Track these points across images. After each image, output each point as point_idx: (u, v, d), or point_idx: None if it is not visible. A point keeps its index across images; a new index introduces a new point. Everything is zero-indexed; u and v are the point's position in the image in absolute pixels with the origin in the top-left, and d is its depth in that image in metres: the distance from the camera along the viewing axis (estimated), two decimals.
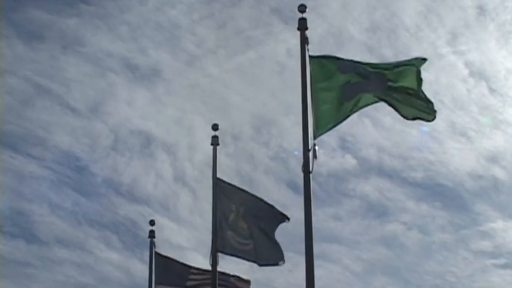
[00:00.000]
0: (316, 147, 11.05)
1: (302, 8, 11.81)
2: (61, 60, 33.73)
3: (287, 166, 32.02)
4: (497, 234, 34.16)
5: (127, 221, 31.95)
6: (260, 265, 13.88)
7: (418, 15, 35.23)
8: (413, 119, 11.25)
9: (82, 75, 33.83)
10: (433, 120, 11.23)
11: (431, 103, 11.27)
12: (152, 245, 17.15)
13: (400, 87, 11.29)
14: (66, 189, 33.18)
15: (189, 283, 16.21)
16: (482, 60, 36.09)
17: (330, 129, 11.27)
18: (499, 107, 35.67)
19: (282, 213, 13.79)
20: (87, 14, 34.38)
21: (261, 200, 14.05)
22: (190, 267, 16.44)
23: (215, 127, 15.12)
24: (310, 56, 11.59)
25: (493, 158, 35.32)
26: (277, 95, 33.72)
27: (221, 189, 14.46)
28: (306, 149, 11.11)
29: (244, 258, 14.02)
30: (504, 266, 33.29)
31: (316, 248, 10.66)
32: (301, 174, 11.04)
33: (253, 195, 14.14)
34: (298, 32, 11.77)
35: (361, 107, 11.31)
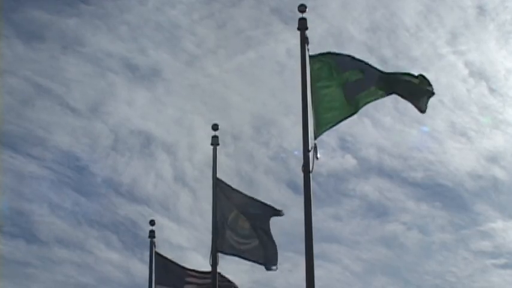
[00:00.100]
0: (317, 147, 11.06)
1: (302, 8, 11.82)
2: (61, 60, 33.76)
3: (287, 166, 32.04)
4: (497, 234, 34.19)
5: (127, 221, 31.96)
6: (260, 264, 13.86)
7: (418, 15, 35.25)
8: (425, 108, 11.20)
9: (82, 75, 33.86)
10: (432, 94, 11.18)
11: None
12: (152, 245, 17.16)
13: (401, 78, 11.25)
14: (66, 189, 33.20)
15: (186, 286, 16.24)
16: (482, 60, 36.12)
17: (330, 128, 11.28)
18: (499, 107, 35.69)
19: (274, 209, 13.74)
20: (87, 14, 34.41)
21: (257, 200, 14.02)
22: (186, 269, 16.45)
23: (215, 127, 15.12)
24: (310, 56, 11.59)
25: (493, 158, 35.34)
26: (277, 95, 33.73)
27: (221, 189, 14.46)
28: (306, 149, 11.11)
29: (243, 258, 14.01)
30: (504, 266, 33.31)
31: (316, 248, 10.67)
32: (301, 174, 11.04)
33: (249, 197, 14.13)
34: (298, 32, 11.77)
35: (367, 102, 11.27)
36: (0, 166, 28.68)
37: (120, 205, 32.52)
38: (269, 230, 13.72)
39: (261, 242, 13.71)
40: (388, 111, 32.51)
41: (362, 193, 34.82)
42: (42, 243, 31.13)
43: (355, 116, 11.42)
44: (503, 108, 35.82)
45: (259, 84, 35.38)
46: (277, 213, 13.71)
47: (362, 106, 11.28)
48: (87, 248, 31.13)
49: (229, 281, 15.72)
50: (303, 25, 11.76)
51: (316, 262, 10.58)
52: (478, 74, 35.74)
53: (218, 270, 14.48)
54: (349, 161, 34.20)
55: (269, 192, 31.71)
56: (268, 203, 13.88)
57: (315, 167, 11.04)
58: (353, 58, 11.48)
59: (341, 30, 34.31)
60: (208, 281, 15.15)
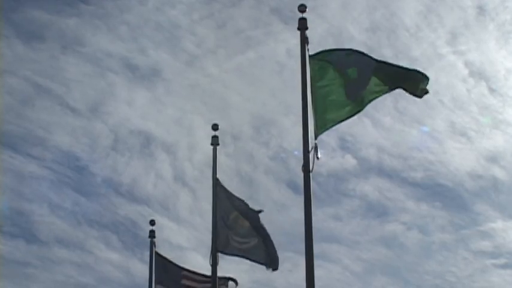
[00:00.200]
0: (317, 147, 11.05)
1: (302, 8, 11.81)
2: (61, 60, 33.76)
3: (287, 166, 32.03)
4: (497, 234, 34.19)
5: (127, 221, 31.96)
6: (260, 263, 13.86)
7: (418, 15, 35.25)
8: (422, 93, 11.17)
9: (82, 75, 33.85)
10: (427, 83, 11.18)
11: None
12: (152, 245, 17.18)
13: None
14: (66, 189, 33.20)
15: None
16: (482, 60, 36.12)
17: (331, 127, 11.28)
18: (499, 107, 35.69)
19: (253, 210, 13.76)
20: (87, 14, 34.40)
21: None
22: (184, 269, 16.47)
23: (215, 127, 15.12)
24: (309, 56, 11.59)
25: (493, 158, 35.34)
26: (277, 95, 33.73)
27: (221, 189, 14.47)
28: (306, 149, 11.10)
29: (243, 257, 14.01)
30: (504, 266, 33.31)
31: (316, 248, 10.67)
32: (301, 174, 11.04)
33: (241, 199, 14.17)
34: (298, 32, 11.77)
35: (372, 99, 11.26)
36: (0, 166, 28.69)
37: (120, 205, 32.55)
38: (265, 229, 13.72)
39: (261, 241, 13.71)
40: (388, 111, 32.56)
41: (362, 193, 34.85)
42: (42, 243, 31.16)
43: (354, 116, 11.42)
44: (503, 108, 35.85)
45: (259, 84, 35.40)
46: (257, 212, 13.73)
47: (368, 103, 11.25)
48: (87, 248, 31.16)
49: (226, 278, 15.73)
50: (303, 25, 11.76)
51: (316, 262, 10.58)
52: (478, 74, 35.78)
53: (218, 270, 14.48)
54: (349, 161, 34.21)
55: (269, 192, 31.74)
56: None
57: (315, 167, 11.04)
58: (348, 54, 11.46)
59: (341, 30, 34.32)
60: (207, 285, 15.23)
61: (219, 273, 14.54)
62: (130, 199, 33.10)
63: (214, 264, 14.19)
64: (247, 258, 13.97)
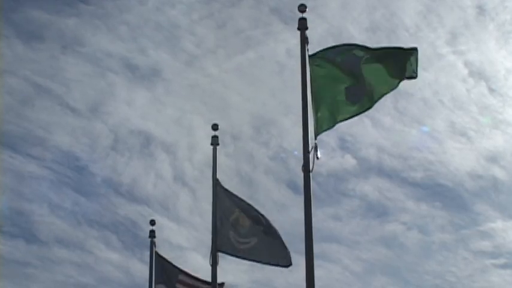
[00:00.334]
0: (317, 147, 11.06)
1: (302, 8, 11.81)
2: (61, 60, 33.75)
3: (287, 166, 32.01)
4: (497, 234, 34.19)
5: (127, 221, 31.96)
6: (264, 263, 13.85)
7: (418, 15, 35.22)
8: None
9: (82, 75, 33.84)
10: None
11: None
12: (152, 245, 17.19)
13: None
14: (66, 189, 33.20)
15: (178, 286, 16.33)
16: (481, 60, 36.10)
17: (332, 127, 11.28)
18: (499, 107, 35.67)
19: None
20: (87, 14, 34.38)
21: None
22: (180, 271, 16.50)
23: (215, 127, 15.12)
24: (309, 56, 11.59)
25: (493, 158, 35.32)
26: (277, 95, 33.71)
27: (221, 189, 14.47)
28: (306, 149, 11.11)
29: (243, 258, 14.01)
30: (504, 266, 33.31)
31: (316, 248, 10.67)
32: (301, 174, 11.04)
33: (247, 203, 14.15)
34: (298, 32, 11.77)
35: (383, 95, 11.28)
36: (0, 166, 28.69)
37: (120, 205, 32.54)
38: (272, 227, 13.68)
39: (262, 240, 13.70)
40: (388, 111, 32.53)
41: (362, 193, 34.84)
42: (42, 243, 31.15)
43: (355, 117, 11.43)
44: (503, 108, 35.84)
45: (259, 84, 35.38)
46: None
47: (378, 99, 11.24)
48: (87, 248, 31.15)
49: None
50: (303, 25, 11.76)
51: (316, 262, 10.58)
52: (478, 74, 35.76)
53: (218, 270, 14.48)
54: (349, 161, 34.20)
55: (269, 192, 31.74)
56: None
57: (315, 167, 11.04)
58: (345, 51, 11.48)
59: (341, 30, 34.28)
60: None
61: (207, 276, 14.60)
62: (130, 199, 33.12)
63: (214, 264, 14.20)
64: (247, 259, 13.97)
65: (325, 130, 11.28)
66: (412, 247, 34.29)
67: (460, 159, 35.44)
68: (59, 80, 33.34)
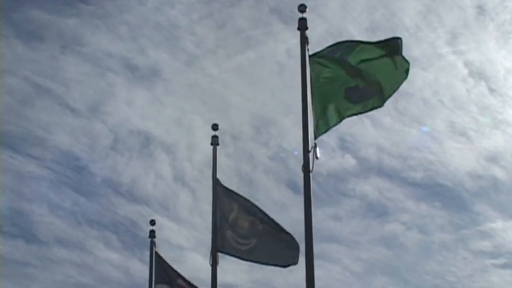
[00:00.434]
0: (317, 147, 11.06)
1: (302, 8, 11.81)
2: (60, 60, 33.75)
3: (287, 166, 32.00)
4: (497, 234, 34.18)
5: (127, 221, 31.96)
6: (262, 264, 13.84)
7: (418, 15, 35.21)
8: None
9: (81, 75, 33.83)
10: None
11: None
12: (152, 245, 17.19)
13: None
14: (66, 189, 33.19)
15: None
16: (481, 60, 36.09)
17: (331, 128, 11.28)
18: (499, 107, 35.66)
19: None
20: (87, 14, 34.38)
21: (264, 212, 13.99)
22: (178, 275, 16.54)
23: (215, 127, 15.10)
24: (309, 56, 11.59)
25: (493, 158, 35.32)
26: (277, 95, 33.71)
27: (221, 189, 14.46)
28: (306, 149, 11.11)
29: (242, 259, 14.00)
30: (504, 266, 33.31)
31: (316, 248, 10.67)
32: (301, 174, 11.04)
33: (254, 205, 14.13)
34: (298, 32, 11.77)
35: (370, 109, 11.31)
36: (0, 166, 28.70)
37: (119, 205, 32.54)
38: (273, 226, 13.64)
39: (263, 240, 13.69)
40: (388, 111, 32.48)
41: (362, 193, 34.83)
42: (42, 243, 31.15)
43: (354, 116, 11.43)
44: (503, 108, 35.82)
45: (259, 84, 35.38)
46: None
47: (388, 97, 11.27)
48: (87, 248, 31.15)
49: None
50: (303, 25, 11.76)
51: (316, 262, 10.58)
52: (478, 74, 35.76)
53: (217, 270, 14.48)
54: (349, 161, 34.20)
55: (269, 192, 31.72)
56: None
57: (315, 167, 11.05)
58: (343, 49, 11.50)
59: (341, 30, 34.28)
60: None
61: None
62: (130, 199, 33.11)
63: (214, 264, 14.19)
64: (247, 260, 13.96)
65: (326, 131, 11.28)
66: (412, 247, 34.32)
67: (460, 159, 35.46)
68: (58, 80, 33.37)
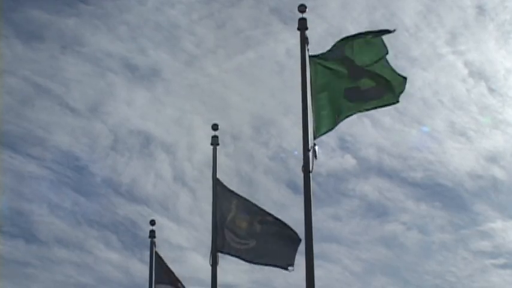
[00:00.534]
0: (316, 147, 11.06)
1: (302, 8, 11.81)
2: (60, 60, 33.77)
3: (287, 166, 32.03)
4: (496, 234, 34.21)
5: (127, 221, 31.99)
6: (261, 264, 13.84)
7: (418, 15, 35.23)
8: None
9: (81, 75, 33.86)
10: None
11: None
12: (153, 245, 17.19)
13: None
14: (66, 189, 33.21)
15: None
16: (481, 60, 36.11)
17: (331, 129, 11.27)
18: (499, 107, 35.69)
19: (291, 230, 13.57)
20: (87, 14, 34.40)
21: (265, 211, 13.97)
22: (177, 280, 16.60)
23: (215, 127, 15.10)
24: (309, 56, 11.59)
25: (493, 158, 35.34)
26: (277, 95, 33.74)
27: (221, 189, 14.46)
28: (306, 149, 11.11)
29: (242, 259, 14.00)
30: (504, 266, 33.33)
31: (316, 248, 10.67)
32: (301, 174, 11.04)
33: (254, 204, 14.11)
34: (298, 32, 11.77)
35: (367, 109, 11.31)
36: (0, 166, 28.71)
37: (119, 205, 32.56)
38: (281, 235, 13.61)
39: (261, 242, 13.68)
40: (388, 111, 32.42)
41: (362, 193, 34.86)
42: (42, 243, 31.17)
43: (354, 116, 11.42)
44: (502, 108, 35.85)
45: (259, 84, 35.40)
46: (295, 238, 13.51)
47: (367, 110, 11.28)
48: (87, 248, 31.17)
49: None
50: (302, 25, 11.76)
51: (316, 262, 10.59)
52: (478, 74, 35.78)
53: (217, 270, 14.48)
54: (349, 161, 34.22)
55: (269, 192, 31.73)
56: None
57: (315, 167, 11.05)
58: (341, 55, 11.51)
59: (341, 30, 34.33)
60: None
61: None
62: (130, 199, 33.14)
63: (214, 264, 14.19)
64: (246, 260, 13.96)
65: (326, 132, 11.27)
66: (412, 247, 34.33)
67: (459, 159, 35.48)
68: (58, 80, 33.39)
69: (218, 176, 14.66)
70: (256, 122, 34.51)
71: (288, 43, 29.61)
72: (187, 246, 29.68)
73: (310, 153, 11.05)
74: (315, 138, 11.15)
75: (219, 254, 14.20)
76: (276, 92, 33.75)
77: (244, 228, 13.92)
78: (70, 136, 33.43)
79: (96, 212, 32.60)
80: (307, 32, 11.73)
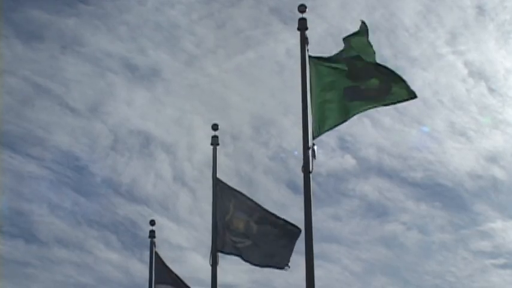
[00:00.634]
0: (315, 147, 11.06)
1: (302, 8, 11.82)
2: (60, 60, 33.78)
3: (287, 166, 32.04)
4: (496, 234, 34.21)
5: (126, 221, 31.99)
6: (256, 265, 13.84)
7: (418, 15, 35.25)
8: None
9: (81, 75, 33.87)
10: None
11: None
12: (152, 245, 17.19)
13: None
14: (66, 189, 33.22)
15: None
16: (481, 60, 36.12)
17: (331, 129, 11.27)
18: (499, 107, 35.71)
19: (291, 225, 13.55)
20: (86, 14, 34.41)
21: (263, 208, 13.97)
22: (177, 278, 16.60)
23: (215, 127, 15.10)
24: (309, 56, 11.60)
25: (493, 158, 35.35)
26: (277, 95, 33.75)
27: (220, 189, 14.46)
28: (305, 149, 11.11)
29: (242, 258, 13.99)
30: (504, 266, 33.34)
31: (316, 248, 10.68)
32: (301, 174, 11.04)
33: (253, 201, 14.10)
34: (298, 32, 11.77)
35: (366, 109, 11.31)
36: (0, 166, 28.71)
37: (119, 205, 32.57)
38: (278, 235, 13.59)
39: (256, 242, 13.68)
40: (388, 111, 32.47)
41: (362, 193, 34.87)
42: (42, 243, 31.18)
43: (354, 116, 11.42)
44: (502, 108, 35.86)
45: (259, 84, 35.41)
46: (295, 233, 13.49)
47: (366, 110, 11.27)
48: (87, 248, 31.17)
49: None
50: (302, 25, 11.77)
51: (316, 262, 10.59)
52: (478, 74, 35.79)
53: (217, 270, 14.48)
54: (349, 161, 34.24)
55: (269, 192, 31.74)
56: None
57: (315, 167, 11.05)
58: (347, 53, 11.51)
59: (341, 30, 34.25)
60: None
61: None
62: (130, 199, 33.14)
63: (214, 264, 14.19)
64: (244, 260, 13.95)
65: (323, 133, 11.26)
66: (412, 247, 34.34)
67: (459, 159, 35.49)
68: (58, 80, 33.40)
69: (218, 176, 14.66)
70: (256, 122, 34.55)
71: (288, 43, 29.65)
72: (187, 246, 29.71)
73: (310, 153, 11.05)
74: (313, 138, 11.15)
75: (219, 254, 14.20)
76: (276, 92, 33.79)
77: (241, 228, 13.93)
78: (70, 136, 33.47)
79: (96, 212, 32.63)
80: (307, 32, 11.74)
